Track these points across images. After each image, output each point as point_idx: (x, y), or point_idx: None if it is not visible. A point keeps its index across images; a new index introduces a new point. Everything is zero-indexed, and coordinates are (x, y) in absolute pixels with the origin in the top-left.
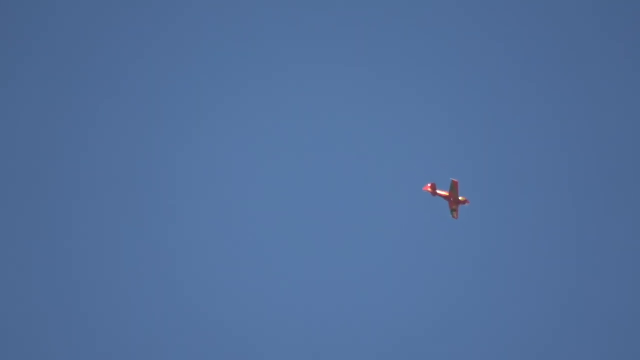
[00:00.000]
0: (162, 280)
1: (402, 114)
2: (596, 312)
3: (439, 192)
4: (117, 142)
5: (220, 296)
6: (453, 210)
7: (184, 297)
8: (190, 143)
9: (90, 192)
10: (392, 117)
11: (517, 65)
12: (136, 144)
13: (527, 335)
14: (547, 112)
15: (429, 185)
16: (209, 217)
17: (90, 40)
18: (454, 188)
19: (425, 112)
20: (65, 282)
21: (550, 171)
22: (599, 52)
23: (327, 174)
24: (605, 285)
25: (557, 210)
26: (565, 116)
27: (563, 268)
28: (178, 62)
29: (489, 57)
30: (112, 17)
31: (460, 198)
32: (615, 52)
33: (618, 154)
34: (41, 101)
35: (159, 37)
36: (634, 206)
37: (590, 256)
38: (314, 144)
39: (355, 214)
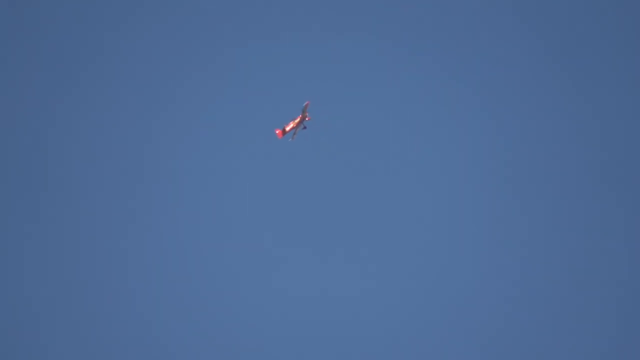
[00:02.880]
0: (160, 281)
1: (403, 113)
2: (597, 312)
3: (287, 128)
4: (115, 141)
5: (219, 297)
6: (295, 133)
7: (183, 298)
8: (190, 142)
9: (88, 192)
10: (394, 116)
11: (519, 64)
12: (135, 143)
13: (528, 336)
14: (550, 111)
15: (279, 131)
16: (209, 216)
17: (86, 39)
18: (304, 110)
19: (426, 111)
20: (63, 282)
21: (551, 171)
22: (600, 52)
23: (327, 173)
24: (607, 286)
25: (558, 211)
26: (568, 116)
27: (565, 269)
28: (177, 62)
29: (490, 56)
30: (108, 16)
31: (307, 117)
32: (616, 52)
33: (619, 154)
34: (38, 100)
35: (155, 35)
36: (635, 206)
37: (592, 257)
38: (315, 143)
39: (356, 215)
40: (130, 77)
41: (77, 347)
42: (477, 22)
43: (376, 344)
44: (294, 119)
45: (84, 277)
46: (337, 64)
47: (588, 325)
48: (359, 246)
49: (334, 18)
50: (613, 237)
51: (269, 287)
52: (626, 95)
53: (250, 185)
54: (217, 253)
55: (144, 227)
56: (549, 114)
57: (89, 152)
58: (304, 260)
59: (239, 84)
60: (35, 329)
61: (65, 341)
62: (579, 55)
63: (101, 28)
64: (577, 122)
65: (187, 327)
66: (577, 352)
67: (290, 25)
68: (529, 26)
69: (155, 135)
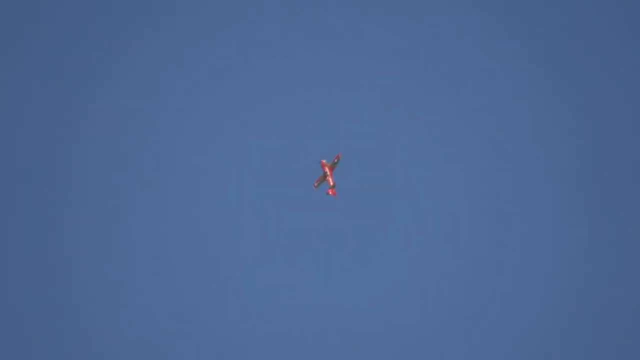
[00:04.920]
0: (158, 281)
1: (402, 113)
2: (597, 313)
3: (330, 181)
4: (111, 139)
5: (216, 297)
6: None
7: (180, 299)
8: (187, 141)
9: (86, 191)
10: (392, 117)
11: (518, 63)
12: (132, 141)
13: (528, 336)
14: (549, 111)
15: (331, 191)
16: (205, 216)
17: (82, 37)
18: (334, 162)
19: (425, 111)
20: (59, 283)
21: (551, 171)
22: (600, 52)
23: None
24: (607, 286)
25: (559, 210)
26: (567, 115)
27: (565, 268)
28: (172, 60)
29: (490, 56)
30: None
31: (330, 181)
32: (615, 52)
33: (619, 154)
34: (36, 100)
35: (149, 32)
36: (634, 206)
37: (592, 256)
38: (311, 142)
39: (354, 213)
40: (129, 76)
41: (76, 347)
42: (473, 22)
43: (373, 346)
44: (325, 174)
45: (76, 277)
46: (333, 64)
47: (587, 325)
48: (355, 248)
49: (331, 19)
50: (614, 237)
51: (264, 292)
52: (626, 95)
53: (246, 187)
54: (215, 252)
55: (138, 227)
56: (548, 115)
57: (87, 151)
58: (301, 263)
59: (236, 83)
60: (35, 329)
61: (64, 341)
62: (577, 55)
63: (97, 26)
64: (574, 121)
65: (178, 331)
66: (577, 352)
67: (287, 25)
68: (529, 27)
69: (153, 134)
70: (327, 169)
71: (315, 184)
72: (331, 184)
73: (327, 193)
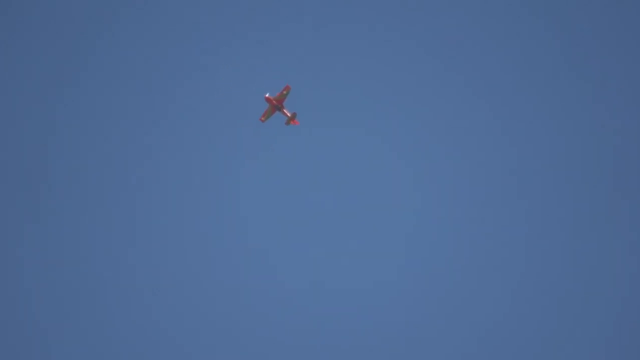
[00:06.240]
0: (158, 280)
1: (401, 110)
2: (593, 312)
3: (275, 100)
4: (112, 138)
5: (216, 294)
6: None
7: (181, 298)
8: (187, 139)
9: (89, 190)
10: (392, 113)
11: (516, 63)
12: (133, 140)
13: (524, 335)
14: (546, 111)
15: (287, 115)
16: (205, 214)
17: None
18: (284, 94)
19: (424, 108)
20: (61, 282)
21: (548, 170)
22: (598, 52)
23: (325, 170)
24: (603, 285)
25: (555, 210)
26: (565, 115)
27: (560, 267)
28: (173, 59)
29: (488, 56)
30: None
31: (286, 111)
32: (614, 51)
33: (617, 153)
34: (36, 100)
35: (147, 32)
36: (633, 205)
37: (588, 256)
38: (311, 138)
39: (351, 211)
40: (127, 76)
41: (75, 348)
42: (470, 21)
43: (371, 340)
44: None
45: (78, 277)
46: (329, 62)
47: (585, 323)
48: (353, 244)
49: (326, 15)
50: (611, 235)
51: (264, 286)
52: (627, 94)
53: (243, 180)
54: (214, 250)
55: (139, 226)
56: (543, 112)
57: (85, 151)
58: (301, 256)
59: (231, 81)
60: (35, 329)
61: (64, 341)
62: (573, 54)
63: (89, 28)
64: (573, 122)
65: (182, 324)
66: (574, 351)
67: (280, 22)
68: (532, 29)
69: (149, 133)
70: (274, 102)
71: (263, 118)
72: (289, 115)
73: (288, 124)
